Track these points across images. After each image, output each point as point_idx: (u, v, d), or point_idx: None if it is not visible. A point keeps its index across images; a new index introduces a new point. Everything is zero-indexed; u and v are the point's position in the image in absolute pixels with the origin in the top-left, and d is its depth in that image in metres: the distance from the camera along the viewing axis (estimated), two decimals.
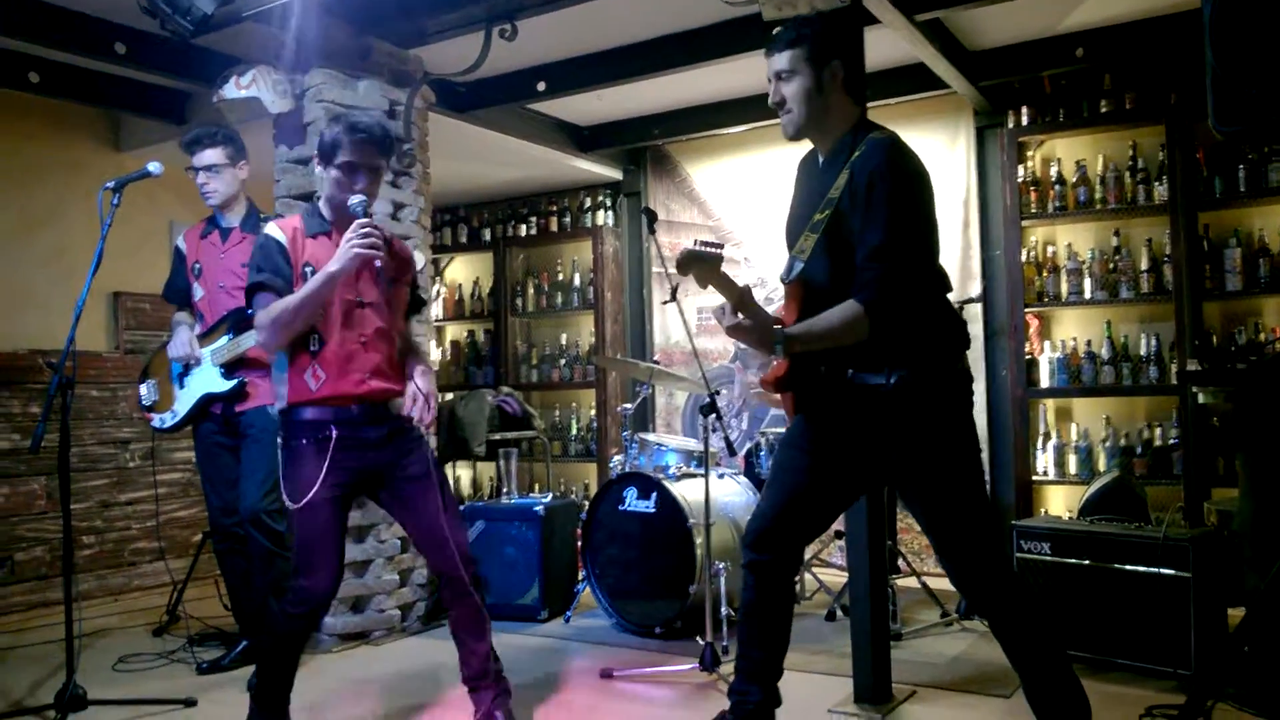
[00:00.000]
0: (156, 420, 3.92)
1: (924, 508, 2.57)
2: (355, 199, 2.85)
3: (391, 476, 2.94)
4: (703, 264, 2.54)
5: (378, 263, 2.78)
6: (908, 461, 2.53)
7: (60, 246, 5.33)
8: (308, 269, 2.86)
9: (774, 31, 2.63)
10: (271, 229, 2.91)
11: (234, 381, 3.74)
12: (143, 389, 3.98)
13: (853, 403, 2.54)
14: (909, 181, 2.46)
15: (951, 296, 4.67)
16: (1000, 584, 2.53)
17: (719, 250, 2.56)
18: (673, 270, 2.67)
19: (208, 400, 3.77)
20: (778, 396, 2.71)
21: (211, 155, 3.80)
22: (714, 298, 6.59)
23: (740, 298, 2.54)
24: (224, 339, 3.74)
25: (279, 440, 2.90)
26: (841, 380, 2.54)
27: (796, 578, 4.47)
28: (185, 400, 3.84)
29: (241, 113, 4.22)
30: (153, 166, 3.41)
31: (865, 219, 2.43)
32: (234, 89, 4.14)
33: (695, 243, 2.55)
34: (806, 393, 2.64)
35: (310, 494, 2.77)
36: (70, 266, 5.26)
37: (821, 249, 2.53)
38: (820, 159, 2.68)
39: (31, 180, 5.31)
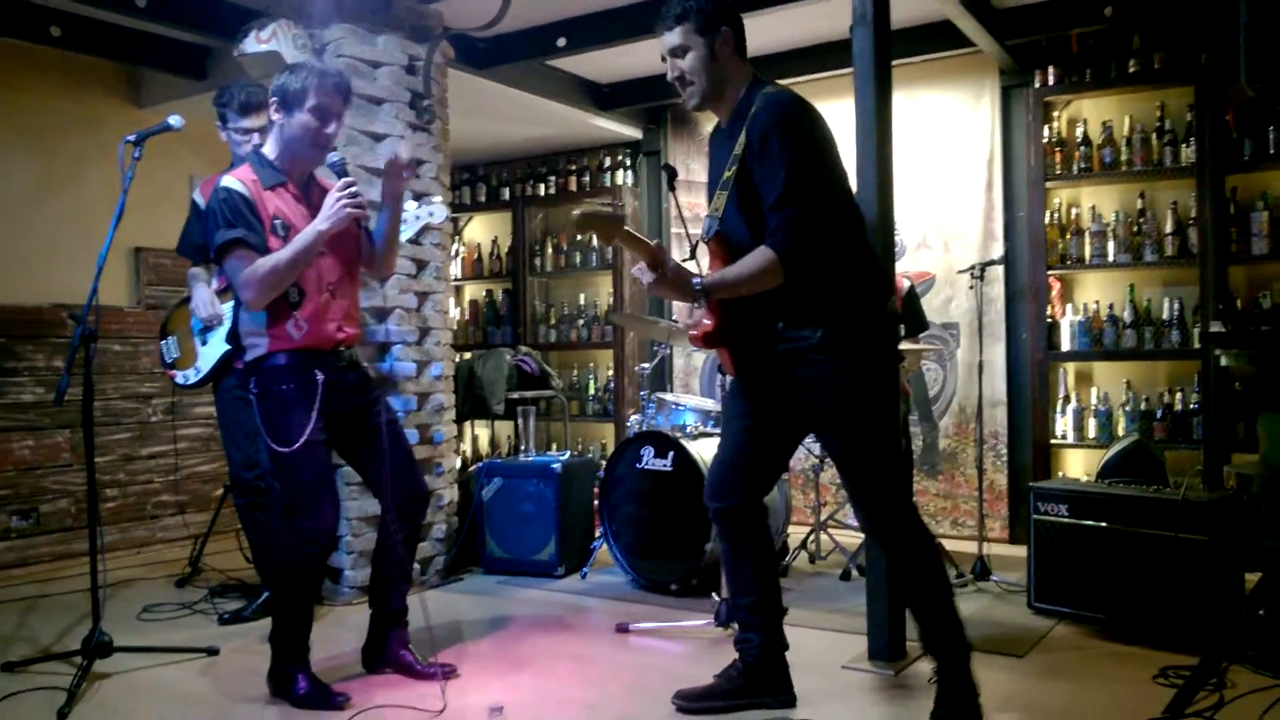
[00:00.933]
0: (180, 377, 3.94)
1: (838, 455, 2.70)
2: (335, 156, 2.95)
3: (363, 423, 3.06)
4: (603, 224, 2.61)
5: (362, 220, 2.90)
6: (825, 409, 2.64)
7: (81, 202, 5.35)
8: (277, 222, 2.90)
9: (662, 10, 2.71)
10: (231, 181, 2.88)
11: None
12: (163, 345, 4.00)
13: (782, 355, 2.65)
14: (797, 128, 2.55)
15: (973, 258, 4.67)
16: (903, 535, 2.66)
17: (617, 209, 2.69)
18: (694, 231, 2.74)
19: (230, 356, 3.78)
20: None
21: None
22: None
23: (654, 254, 2.61)
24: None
25: (254, 393, 2.95)
26: (771, 333, 2.65)
27: (776, 536, 4.53)
28: (208, 357, 3.86)
29: (262, 67, 4.19)
30: (173, 120, 3.39)
31: (764, 173, 2.54)
32: (254, 43, 4.13)
33: (593, 205, 2.67)
34: (739, 348, 2.75)
35: (306, 433, 2.86)
36: (91, 222, 5.28)
37: (734, 205, 2.65)
38: (724, 125, 2.79)
39: (52, 136, 5.32)
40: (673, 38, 2.69)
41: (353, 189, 2.86)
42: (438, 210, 3.93)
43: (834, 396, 2.61)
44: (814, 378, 2.61)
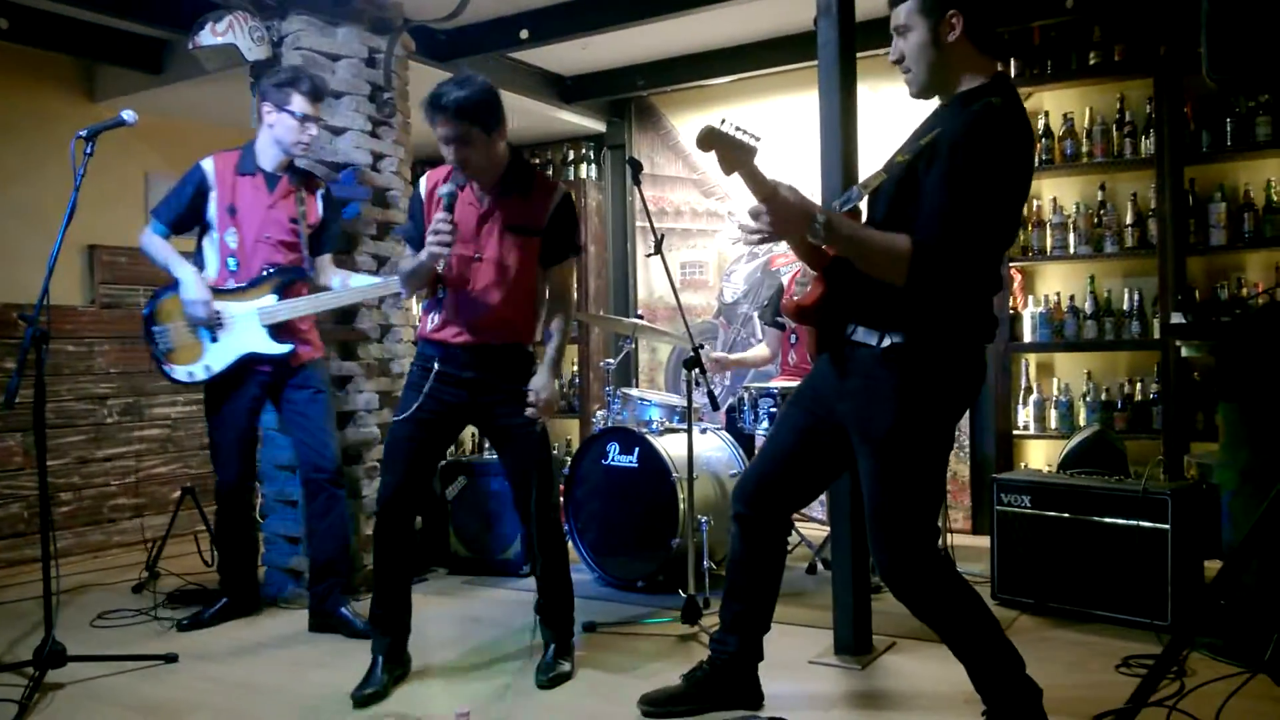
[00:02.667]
0: (181, 373, 3.63)
1: (865, 486, 2.46)
2: (447, 187, 2.94)
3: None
4: (732, 148, 2.36)
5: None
6: (865, 430, 2.42)
7: (33, 199, 5.22)
8: None
9: None
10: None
11: (288, 347, 3.62)
12: (155, 332, 3.65)
13: (843, 359, 2.47)
14: (1000, 152, 2.24)
15: None
16: (925, 579, 2.42)
17: (756, 140, 2.38)
18: (658, 224, 2.60)
19: (249, 359, 3.62)
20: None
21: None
22: (698, 254, 6.53)
23: (772, 192, 2.33)
24: (271, 298, 3.60)
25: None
26: (840, 335, 2.47)
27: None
28: (221, 356, 3.61)
29: (218, 61, 4.11)
30: (127, 115, 3.30)
31: (941, 180, 2.24)
32: (209, 36, 4.04)
33: (724, 122, 2.37)
34: (828, 332, 2.52)
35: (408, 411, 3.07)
36: (43, 219, 5.14)
37: (887, 192, 2.40)
38: (942, 106, 2.47)
39: (3, 131, 5.18)
40: (899, 15, 2.39)
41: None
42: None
43: (880, 418, 2.37)
44: (866, 392, 2.40)
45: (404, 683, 3.13)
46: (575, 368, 6.73)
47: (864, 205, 2.52)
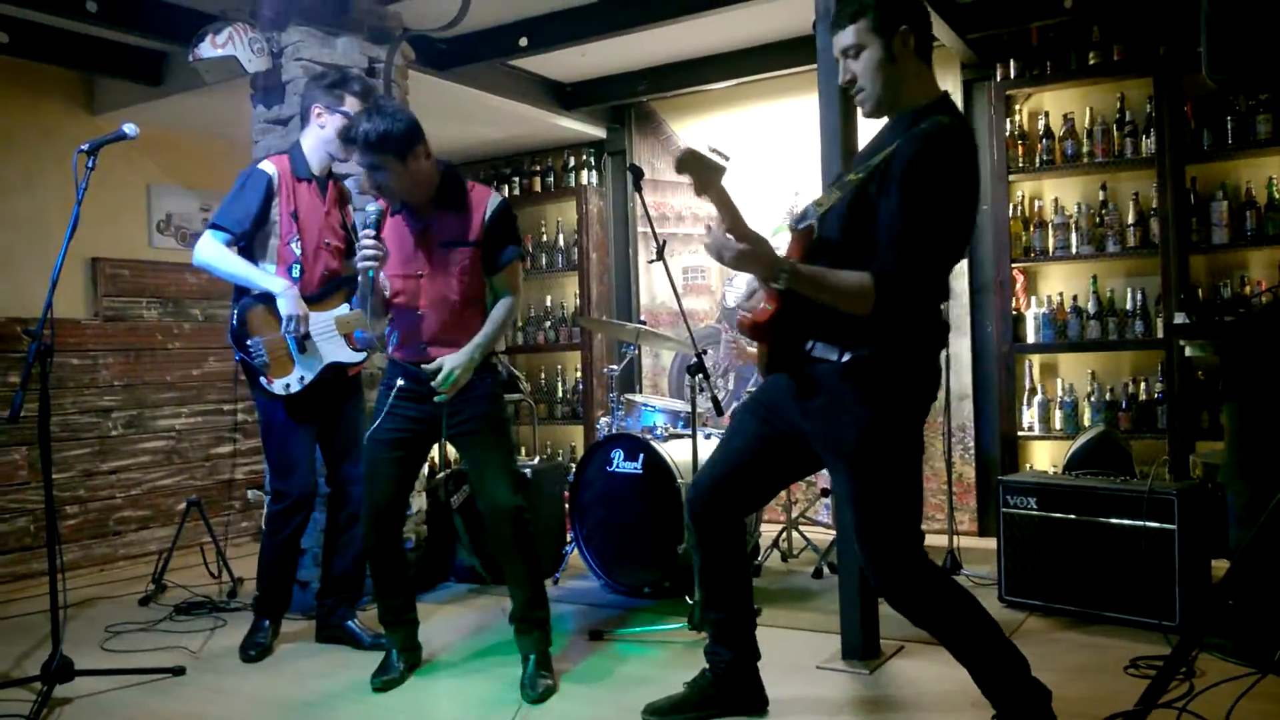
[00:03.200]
0: (279, 386, 3.50)
1: (844, 498, 2.51)
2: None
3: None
4: (705, 169, 2.42)
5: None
6: (836, 445, 2.44)
7: (35, 212, 5.23)
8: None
9: (838, 4, 2.48)
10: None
11: (364, 354, 3.62)
12: (251, 345, 3.49)
13: (804, 377, 2.49)
14: (949, 179, 2.29)
15: None
16: (913, 586, 2.43)
17: (725, 159, 2.43)
18: (660, 229, 2.62)
19: (333, 369, 3.57)
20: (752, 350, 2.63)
21: None
22: (700, 258, 6.54)
23: (735, 218, 2.44)
24: (345, 307, 3.56)
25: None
26: (799, 350, 2.49)
27: (749, 535, 4.50)
28: (311, 367, 3.52)
29: (218, 73, 4.12)
30: (128, 128, 3.32)
31: (895, 205, 2.28)
32: (210, 48, 4.05)
33: (705, 146, 2.45)
34: (781, 349, 2.54)
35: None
36: (46, 232, 5.18)
37: (841, 210, 2.41)
38: (888, 125, 2.51)
39: (4, 144, 5.19)
40: (846, 36, 2.41)
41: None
42: None
43: (848, 432, 2.40)
44: (831, 408, 2.42)
45: (416, 672, 3.33)
46: (579, 374, 6.73)
47: (817, 221, 2.53)
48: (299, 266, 3.55)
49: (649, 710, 2.82)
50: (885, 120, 2.52)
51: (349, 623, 3.69)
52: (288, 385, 3.52)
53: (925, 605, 2.44)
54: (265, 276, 3.49)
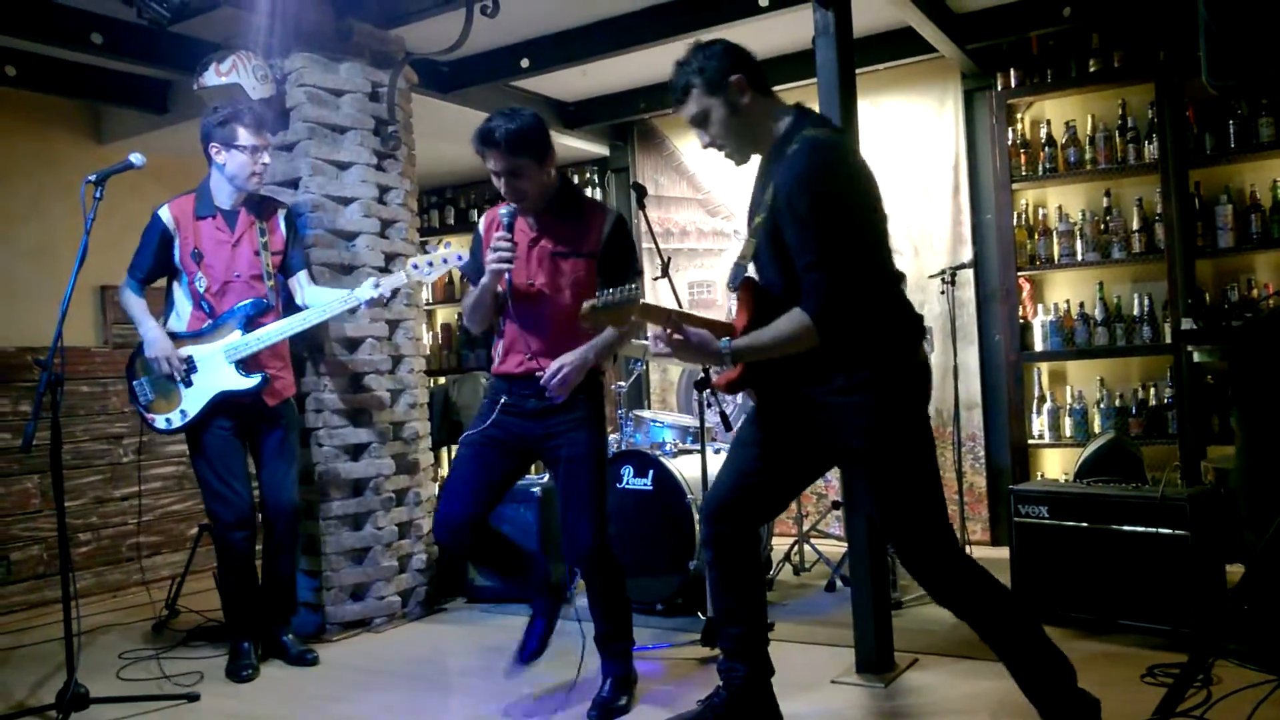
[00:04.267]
0: (161, 421, 3.68)
1: (869, 497, 2.55)
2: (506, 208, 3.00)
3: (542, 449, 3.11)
4: (610, 311, 2.47)
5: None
6: (854, 451, 2.49)
7: (44, 241, 5.27)
8: None
9: (670, 87, 2.58)
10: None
11: (258, 378, 3.65)
12: (135, 387, 3.74)
13: (809, 398, 2.52)
14: (828, 187, 2.39)
15: (943, 262, 4.64)
16: (950, 576, 2.49)
17: (630, 291, 2.46)
18: (665, 247, 2.65)
19: (224, 398, 3.65)
20: None
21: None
22: (706, 273, 6.54)
23: (670, 318, 2.48)
24: (235, 334, 3.65)
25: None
26: (798, 380, 2.53)
27: (764, 548, 4.50)
28: (196, 399, 3.65)
29: (222, 100, 4.14)
30: (134, 158, 3.36)
31: (795, 232, 2.39)
32: (214, 76, 4.08)
33: (597, 298, 2.47)
34: (763, 390, 2.63)
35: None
36: (55, 261, 5.21)
37: (764, 254, 2.51)
38: (766, 161, 2.62)
39: (12, 175, 5.24)
40: (689, 109, 2.55)
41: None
42: (433, 264, 3.66)
43: (862, 437, 2.45)
44: (841, 420, 2.47)
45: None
46: None
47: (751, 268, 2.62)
48: (206, 303, 3.69)
49: None
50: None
51: (284, 637, 3.83)
52: (169, 420, 3.68)
53: (966, 592, 2.48)
54: (142, 323, 3.70)
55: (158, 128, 5.32)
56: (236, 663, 3.66)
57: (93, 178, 3.28)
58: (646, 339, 4.70)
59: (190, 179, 4.18)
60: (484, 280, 2.97)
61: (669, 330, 2.46)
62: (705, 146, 2.60)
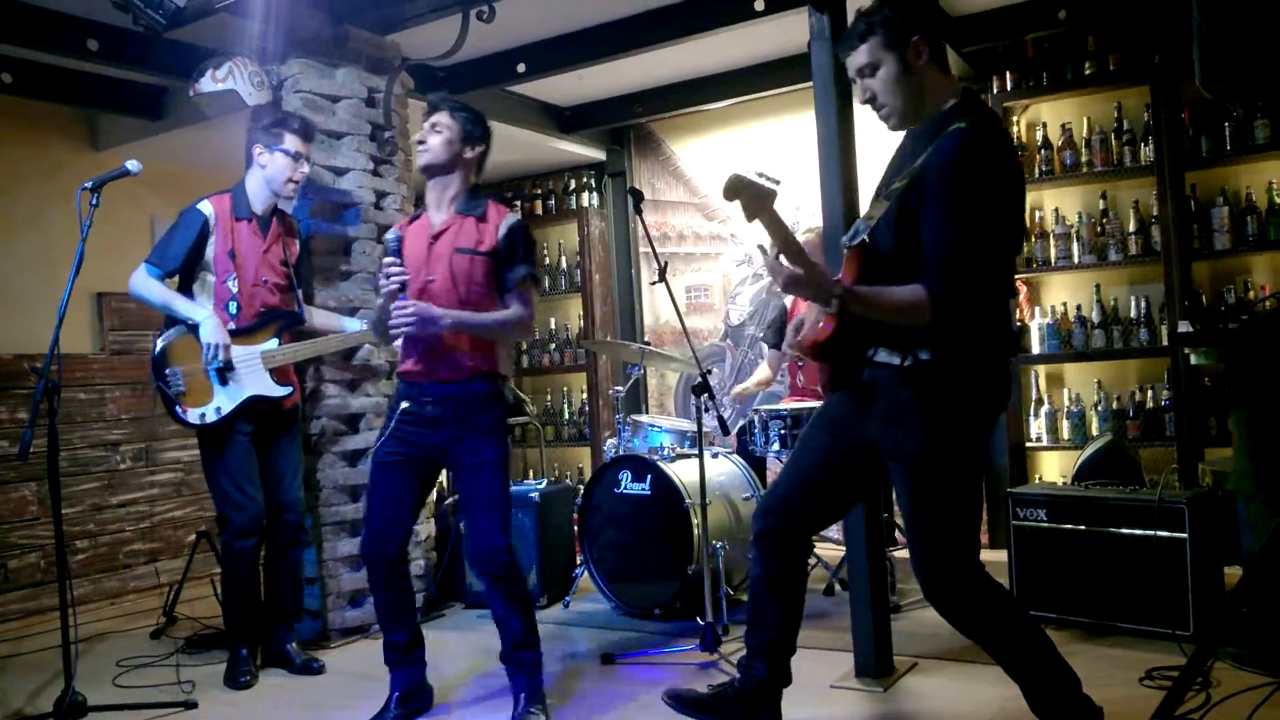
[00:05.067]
0: (194, 415, 3.58)
1: (902, 504, 2.47)
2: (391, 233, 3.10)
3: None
4: (753, 194, 2.38)
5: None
6: (897, 448, 2.40)
7: (41, 248, 5.27)
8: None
9: (847, 28, 2.46)
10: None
11: (289, 389, 3.71)
12: (169, 375, 3.59)
13: (866, 383, 2.45)
14: (986, 173, 2.27)
15: None
16: (964, 604, 2.41)
17: (775, 184, 2.40)
18: (661, 249, 2.62)
19: (254, 401, 3.64)
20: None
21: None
22: (703, 277, 6.54)
23: (787, 241, 2.40)
24: (273, 342, 3.67)
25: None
26: (862, 359, 2.45)
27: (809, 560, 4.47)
28: (231, 398, 3.61)
29: (218, 106, 4.15)
30: (131, 165, 3.36)
31: (935, 209, 2.27)
32: (210, 82, 4.07)
33: (751, 170, 2.40)
34: (843, 367, 2.51)
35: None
36: (52, 268, 5.21)
37: (890, 220, 2.38)
38: (918, 130, 2.49)
39: (9, 182, 5.24)
40: (859, 56, 2.41)
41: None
42: None
43: (912, 436, 2.35)
44: (894, 412, 2.38)
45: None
46: (584, 396, 6.74)
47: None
48: (235, 303, 3.67)
49: (669, 692, 2.78)
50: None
51: (286, 645, 3.81)
52: (203, 415, 3.61)
53: (974, 614, 2.42)
54: (190, 306, 3.62)
55: (154, 134, 5.33)
56: (235, 669, 3.65)
57: (89, 184, 3.28)
58: (645, 342, 4.69)
59: (187, 185, 4.24)
60: (379, 300, 2.99)
61: (780, 248, 2.36)
62: (863, 101, 2.48)
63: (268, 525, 3.81)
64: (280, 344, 3.69)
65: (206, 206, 3.68)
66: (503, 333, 3.07)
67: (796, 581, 2.72)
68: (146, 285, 3.63)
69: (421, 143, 3.07)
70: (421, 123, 3.13)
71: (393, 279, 2.90)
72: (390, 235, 3.14)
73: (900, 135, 2.57)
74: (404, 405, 3.06)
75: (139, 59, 4.46)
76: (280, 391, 3.67)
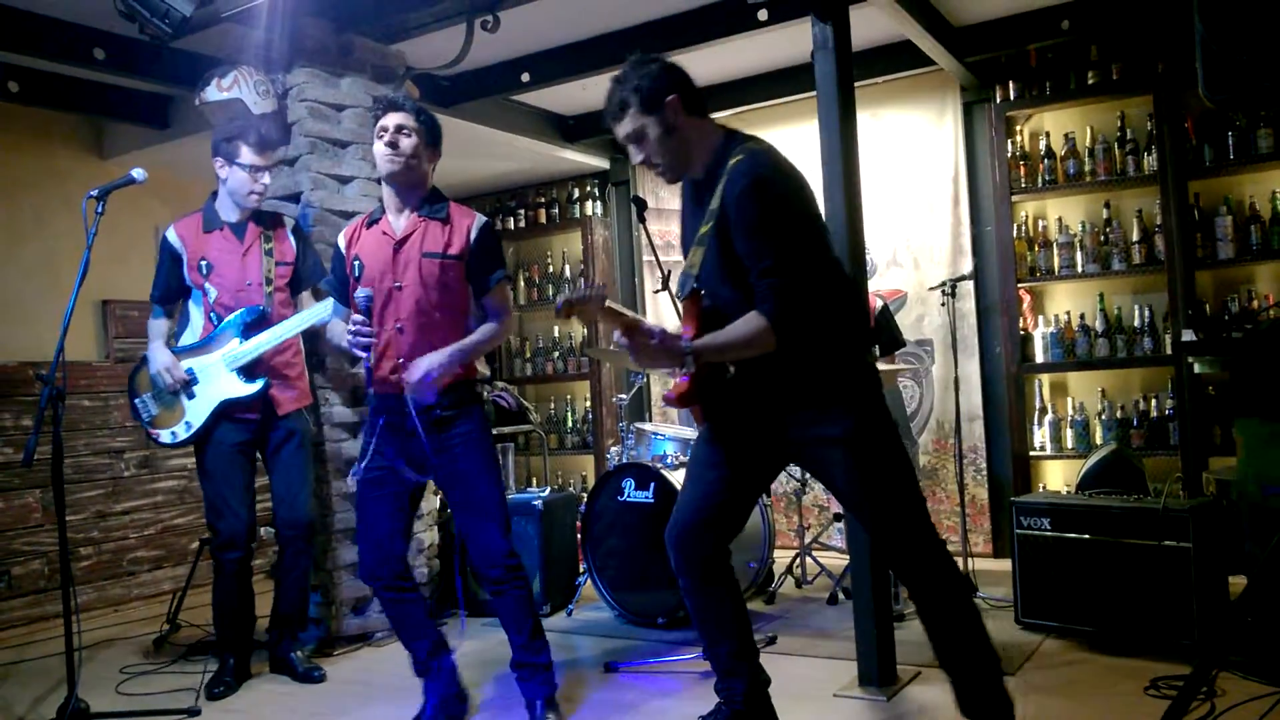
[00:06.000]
0: (166, 435, 3.69)
1: (850, 506, 2.63)
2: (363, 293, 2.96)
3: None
4: (583, 304, 2.53)
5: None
6: (835, 464, 2.54)
7: (47, 257, 5.29)
8: (357, 261, 3.06)
9: (606, 105, 2.63)
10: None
11: (259, 383, 3.66)
12: (137, 404, 3.75)
13: (765, 404, 2.59)
14: (775, 196, 2.45)
15: (943, 274, 4.64)
16: (928, 571, 2.54)
17: (600, 288, 2.58)
18: (666, 259, 2.68)
19: (227, 407, 3.67)
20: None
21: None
22: None
23: (629, 324, 2.53)
24: (234, 341, 3.66)
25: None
26: (735, 403, 2.62)
27: (766, 561, 4.53)
28: (199, 410, 3.66)
29: (224, 115, 4.16)
30: (136, 173, 3.39)
31: (746, 240, 2.45)
32: (215, 91, 4.10)
33: (572, 289, 2.58)
34: (712, 402, 2.66)
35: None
36: (57, 276, 5.23)
37: (712, 263, 2.54)
38: (698, 177, 2.65)
39: (16, 190, 5.26)
40: (624, 126, 2.60)
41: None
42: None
43: (830, 426, 2.51)
44: (802, 419, 2.54)
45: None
46: (588, 404, 6.74)
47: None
48: (216, 313, 3.70)
49: None
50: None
51: (291, 654, 3.81)
52: (173, 434, 3.70)
53: (941, 582, 2.53)
54: (150, 345, 3.74)
55: (159, 143, 5.34)
56: (214, 680, 3.65)
57: (94, 193, 3.30)
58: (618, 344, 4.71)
59: (192, 194, 4.26)
60: (344, 345, 3.01)
61: (624, 333, 2.49)
62: (638, 164, 2.65)
63: (276, 535, 3.82)
64: (243, 342, 3.66)
65: (170, 233, 3.76)
66: (493, 346, 3.12)
67: (733, 587, 2.76)
68: (149, 329, 3.81)
69: (392, 145, 2.96)
70: (372, 118, 3.06)
71: (360, 339, 2.89)
72: (361, 295, 2.95)
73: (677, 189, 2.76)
74: (381, 421, 3.01)
75: (145, 68, 4.49)
76: (249, 389, 3.65)
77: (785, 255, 2.43)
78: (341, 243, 3.14)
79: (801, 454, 2.65)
